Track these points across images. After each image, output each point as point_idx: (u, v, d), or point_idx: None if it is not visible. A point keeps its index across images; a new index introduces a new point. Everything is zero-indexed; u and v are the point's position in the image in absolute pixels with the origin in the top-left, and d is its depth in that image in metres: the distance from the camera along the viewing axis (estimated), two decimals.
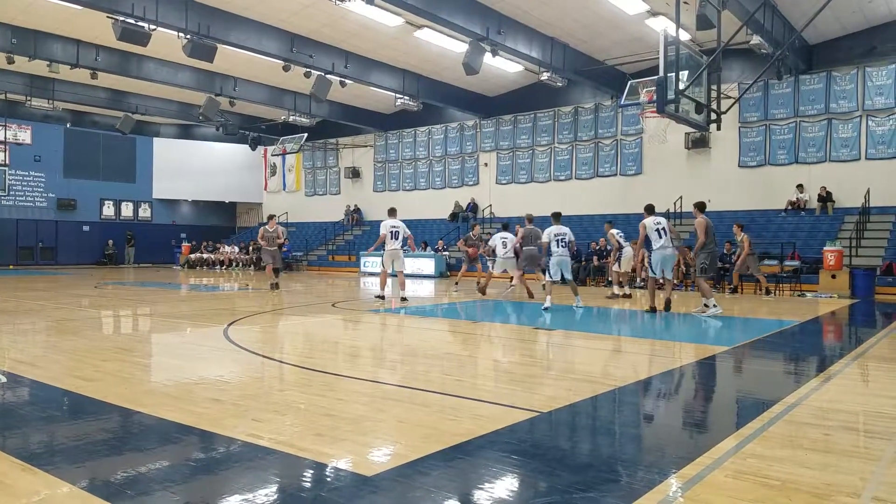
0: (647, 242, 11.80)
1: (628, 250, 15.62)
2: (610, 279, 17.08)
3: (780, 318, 11.73)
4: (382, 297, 13.63)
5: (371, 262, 25.79)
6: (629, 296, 15.50)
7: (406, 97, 24.77)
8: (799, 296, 16.81)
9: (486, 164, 28.66)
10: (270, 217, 17.67)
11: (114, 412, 4.71)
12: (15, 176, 29.63)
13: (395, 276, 14.16)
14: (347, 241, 31.53)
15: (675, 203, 22.53)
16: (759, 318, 11.95)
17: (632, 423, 4.90)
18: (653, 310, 11.70)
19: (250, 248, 31.17)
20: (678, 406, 5.52)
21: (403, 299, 13.54)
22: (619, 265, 15.92)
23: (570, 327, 10.13)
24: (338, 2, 15.94)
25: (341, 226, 33.04)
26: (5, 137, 28.07)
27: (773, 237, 19.96)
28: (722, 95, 13.15)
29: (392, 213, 14.19)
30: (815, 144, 20.76)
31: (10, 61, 20.61)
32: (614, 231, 15.95)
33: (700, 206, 11.98)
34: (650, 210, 12.21)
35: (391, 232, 13.49)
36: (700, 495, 3.19)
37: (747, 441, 4.06)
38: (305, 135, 30.32)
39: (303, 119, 28.01)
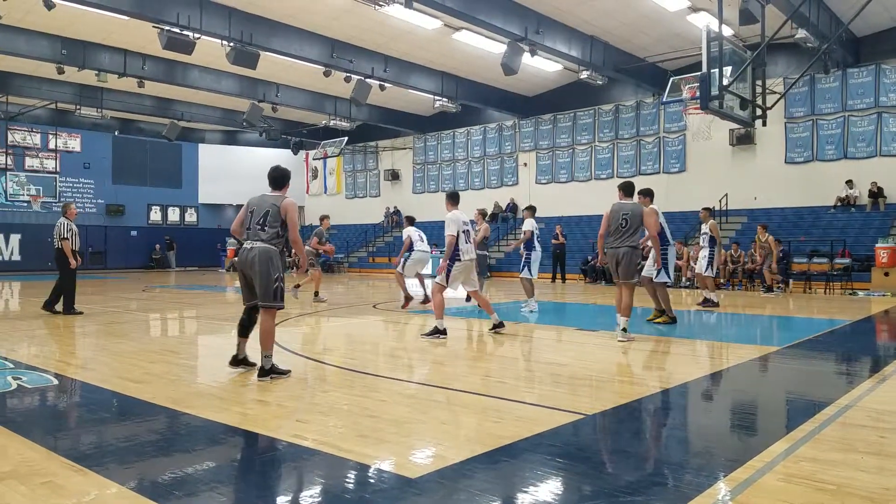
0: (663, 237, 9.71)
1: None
2: (697, 283, 15.25)
3: (832, 317, 11.43)
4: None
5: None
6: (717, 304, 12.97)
7: (444, 99, 24.80)
8: (850, 294, 16.38)
9: (525, 164, 28.54)
10: None
11: (161, 413, 4.79)
12: (65, 183, 30.47)
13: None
14: (387, 242, 31.70)
15: (720, 201, 22.13)
16: (809, 317, 11.65)
17: (679, 425, 4.81)
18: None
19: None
20: (727, 408, 5.40)
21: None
22: (713, 267, 13.15)
23: (612, 328, 10.00)
24: (377, 6, 16.04)
25: (381, 227, 33.23)
26: (56, 145, 28.90)
27: (823, 234, 19.47)
28: (767, 91, 12.88)
29: (453, 199, 9.55)
30: (865, 139, 20.18)
31: (61, 71, 21.20)
32: (714, 222, 13.45)
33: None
34: (651, 195, 9.52)
35: (465, 231, 9.10)
36: (751, 500, 3.12)
37: (799, 444, 3.95)
38: (346, 138, 30.57)
39: (343, 123, 28.27)
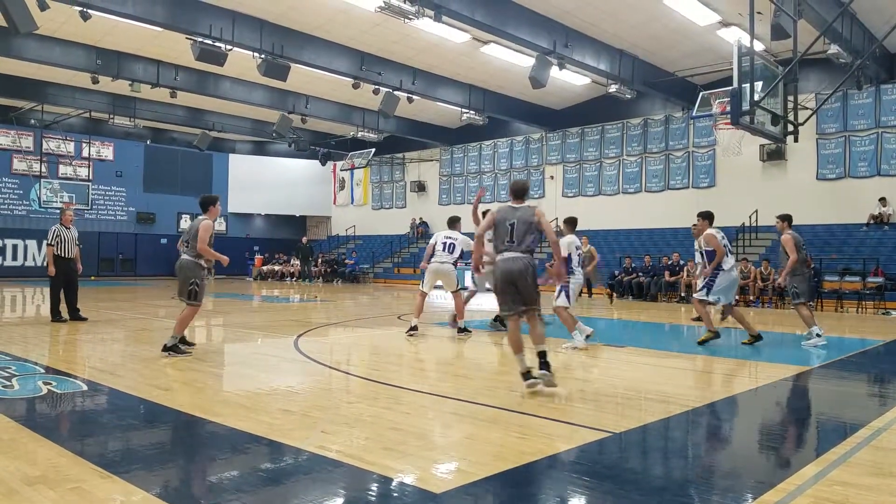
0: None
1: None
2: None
3: (864, 336, 11.20)
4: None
5: None
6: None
7: (472, 111, 24.86)
8: (883, 314, 16.05)
9: (552, 177, 28.47)
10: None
11: (188, 421, 4.83)
12: (98, 190, 31.02)
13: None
14: (413, 253, 31.74)
15: (750, 217, 21.87)
16: (841, 336, 11.43)
17: (707, 445, 4.73)
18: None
19: (319, 259, 31.79)
20: (756, 428, 5.31)
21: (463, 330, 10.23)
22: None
23: (639, 344, 9.91)
24: (406, 20, 16.13)
25: (407, 239, 33.32)
26: (89, 154, 29.46)
27: (855, 252, 19.13)
28: (799, 106, 12.73)
29: (453, 223, 11.35)
30: None
31: (95, 81, 21.60)
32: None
33: (787, 219, 9.76)
34: (712, 218, 9.63)
35: (444, 243, 10.58)
36: None
37: (832, 467, 3.86)
38: (373, 150, 30.80)
39: (371, 134, 28.46)
